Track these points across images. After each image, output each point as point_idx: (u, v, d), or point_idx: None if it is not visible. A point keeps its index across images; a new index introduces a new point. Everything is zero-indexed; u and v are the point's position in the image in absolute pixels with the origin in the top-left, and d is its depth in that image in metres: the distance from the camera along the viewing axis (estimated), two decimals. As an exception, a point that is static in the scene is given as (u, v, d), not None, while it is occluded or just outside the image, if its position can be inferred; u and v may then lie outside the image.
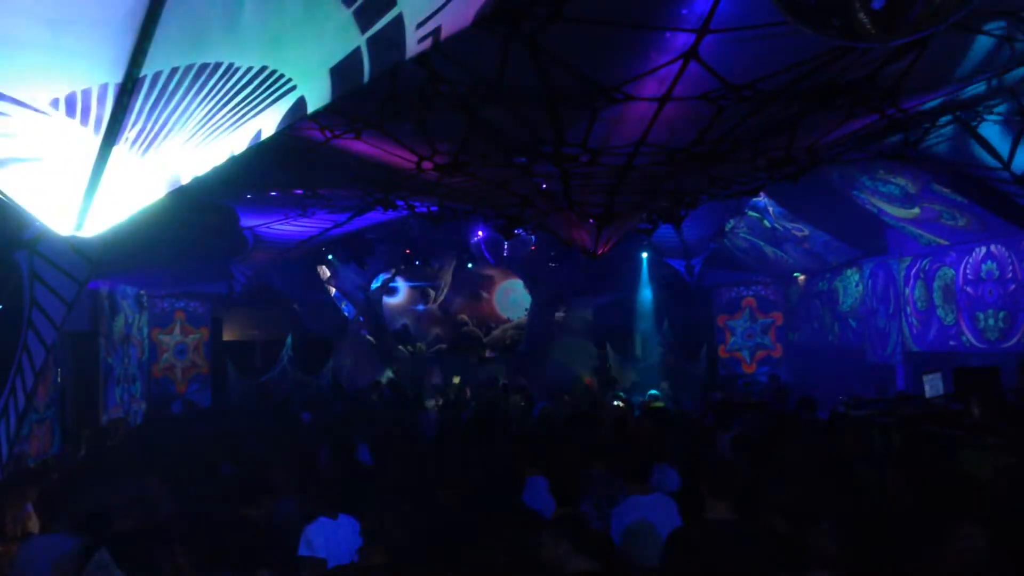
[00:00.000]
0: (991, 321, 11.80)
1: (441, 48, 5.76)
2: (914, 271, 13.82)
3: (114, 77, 2.02)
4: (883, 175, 11.41)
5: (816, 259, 16.53)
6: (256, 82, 2.38)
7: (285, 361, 19.25)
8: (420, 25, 2.66)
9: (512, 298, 23.12)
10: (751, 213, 15.25)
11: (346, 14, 2.38)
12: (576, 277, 21.25)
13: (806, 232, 15.10)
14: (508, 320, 23.19)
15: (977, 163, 9.44)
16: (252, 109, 2.48)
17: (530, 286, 22.09)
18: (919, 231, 12.88)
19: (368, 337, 21.74)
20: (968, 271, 12.33)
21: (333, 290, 20.61)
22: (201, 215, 10.96)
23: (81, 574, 4.58)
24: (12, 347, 8.17)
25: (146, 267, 13.01)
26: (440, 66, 6.27)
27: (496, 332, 23.10)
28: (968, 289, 12.33)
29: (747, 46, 6.16)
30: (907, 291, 14.03)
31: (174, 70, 2.10)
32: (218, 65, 2.20)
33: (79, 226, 2.29)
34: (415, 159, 9.12)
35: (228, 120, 2.44)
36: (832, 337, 17.15)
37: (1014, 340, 11.26)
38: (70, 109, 2.07)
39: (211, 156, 2.58)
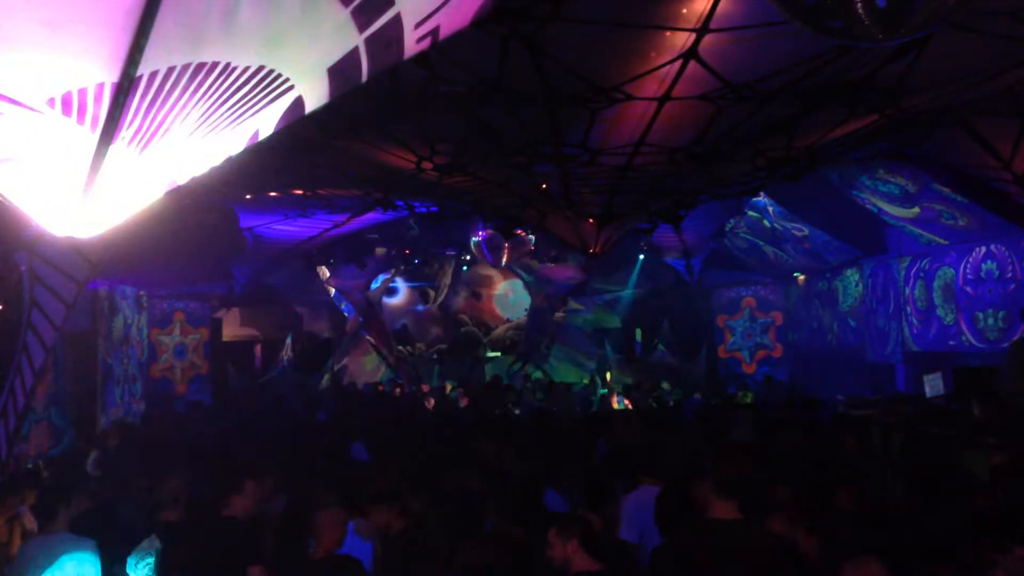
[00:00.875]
0: (991, 321, 11.80)
1: (440, 48, 5.76)
2: (914, 271, 13.81)
3: (111, 76, 2.01)
4: (883, 175, 11.41)
5: (816, 259, 16.52)
6: (253, 82, 2.37)
7: (285, 361, 19.24)
8: (419, 25, 2.65)
9: (512, 298, 23.11)
10: (751, 213, 15.24)
11: (344, 13, 2.37)
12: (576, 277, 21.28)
13: (806, 232, 15.09)
14: (508, 320, 23.18)
15: (977, 163, 9.44)
16: (250, 109, 2.47)
17: (529, 286, 22.10)
18: (919, 231, 12.87)
19: (368, 337, 21.72)
20: (968, 271, 12.32)
21: (333, 290, 20.60)
22: (201, 215, 10.96)
23: None
24: (11, 348, 8.15)
25: (146, 268, 13.00)
26: (440, 66, 6.27)
27: (496, 332, 23.09)
28: (968, 289, 12.33)
29: (747, 46, 6.16)
30: (907, 291, 14.03)
31: (171, 69, 2.09)
32: (215, 64, 2.19)
33: (76, 227, 2.28)
34: (415, 159, 9.12)
35: (226, 120, 2.43)
36: (832, 337, 17.14)
37: (1013, 339, 11.25)
38: (66, 108, 2.06)
39: (209, 156, 2.57)
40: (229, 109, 2.40)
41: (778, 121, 8.09)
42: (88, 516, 5.50)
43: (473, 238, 18.96)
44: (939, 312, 13.11)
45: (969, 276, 12.30)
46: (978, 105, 8.11)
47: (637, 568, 5.04)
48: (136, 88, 2.07)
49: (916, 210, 12.04)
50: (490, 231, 17.47)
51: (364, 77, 2.77)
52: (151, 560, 4.98)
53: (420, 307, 23.06)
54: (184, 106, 2.24)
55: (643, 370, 19.53)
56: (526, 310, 22.71)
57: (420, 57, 5.73)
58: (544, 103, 7.26)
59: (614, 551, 4.93)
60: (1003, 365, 9.55)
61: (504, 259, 18.98)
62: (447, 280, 22.64)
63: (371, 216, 13.56)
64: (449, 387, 17.67)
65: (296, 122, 2.87)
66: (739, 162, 9.53)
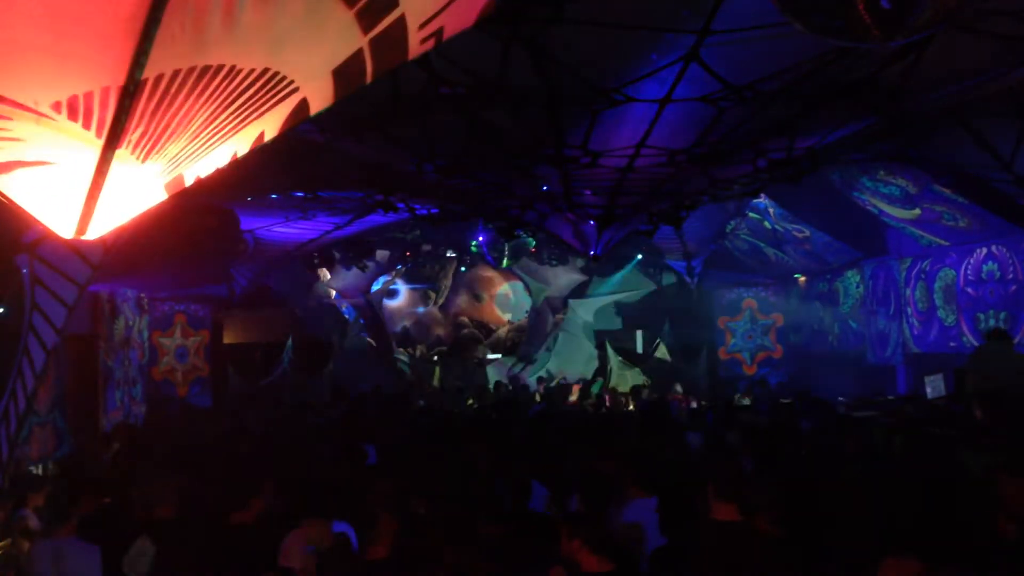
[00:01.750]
0: (992, 322, 11.80)
1: (442, 50, 5.77)
2: (915, 272, 13.81)
3: (116, 80, 2.02)
4: (884, 176, 11.41)
5: (817, 260, 16.51)
6: (258, 84, 2.37)
7: (286, 363, 19.23)
8: (423, 26, 2.66)
9: (513, 300, 23.11)
10: (752, 214, 15.24)
11: (348, 15, 2.37)
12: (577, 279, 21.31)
13: (807, 233, 15.09)
14: (509, 322, 23.19)
15: (978, 164, 9.44)
16: (254, 111, 2.48)
17: (530, 288, 22.11)
18: (920, 232, 12.88)
19: (368, 340, 21.73)
20: (969, 272, 12.32)
21: (333, 292, 20.60)
22: (201, 218, 10.96)
23: None
24: (12, 350, 8.15)
25: (146, 270, 12.99)
26: (441, 68, 6.28)
27: (497, 334, 23.09)
28: (969, 290, 12.33)
29: (748, 47, 6.17)
30: (908, 292, 14.03)
31: (176, 72, 2.10)
32: (220, 67, 2.20)
33: (81, 229, 2.29)
34: (416, 161, 9.12)
35: (230, 123, 2.44)
36: (832, 338, 17.14)
37: (1015, 341, 11.25)
38: (72, 112, 2.07)
39: (214, 159, 2.58)
40: (234, 112, 2.40)
41: (779, 122, 8.10)
42: (94, 519, 5.51)
43: (473, 240, 18.99)
44: (940, 313, 13.10)
45: (970, 277, 12.30)
46: (979, 106, 8.11)
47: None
48: (141, 92, 2.07)
49: (917, 211, 12.05)
50: (491, 233, 17.48)
51: (368, 78, 2.78)
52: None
53: (421, 309, 23.07)
54: (189, 109, 2.25)
55: (646, 372, 19.52)
56: (527, 312, 22.71)
57: (420, 58, 5.75)
58: (545, 104, 7.26)
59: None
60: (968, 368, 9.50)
61: (505, 261, 19.00)
62: (448, 282, 22.66)
63: (372, 218, 13.56)
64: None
65: (299, 125, 2.88)
66: (740, 163, 9.54)
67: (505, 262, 19.90)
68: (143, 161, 2.28)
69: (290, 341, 19.28)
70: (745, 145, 8.77)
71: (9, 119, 2.04)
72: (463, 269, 22.10)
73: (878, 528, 4.83)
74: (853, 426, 8.29)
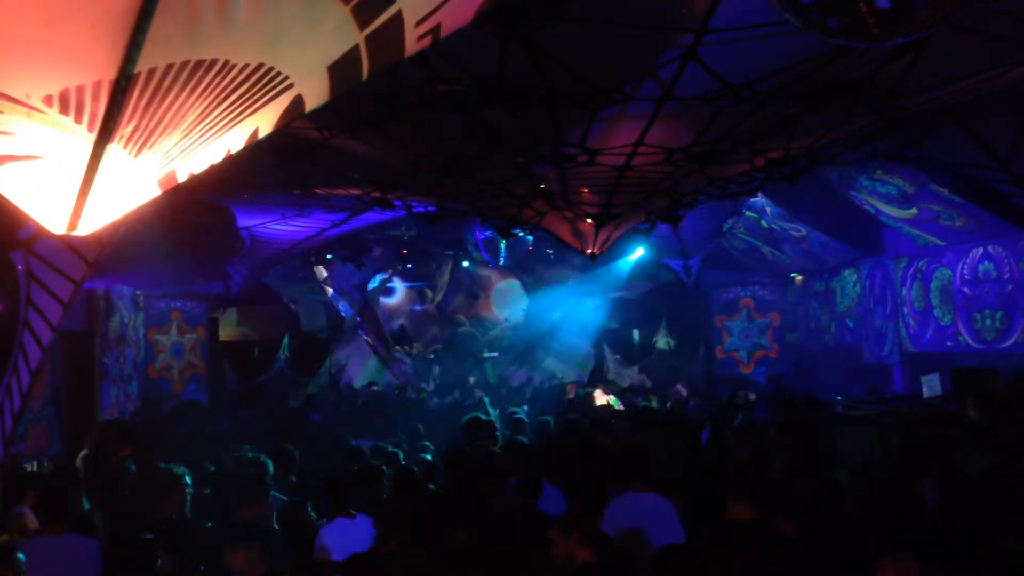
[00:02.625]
0: (988, 321, 11.80)
1: (439, 48, 5.74)
2: (911, 271, 13.81)
3: (108, 74, 2.00)
4: (881, 175, 11.40)
5: (813, 259, 16.51)
6: (252, 80, 2.35)
7: (282, 361, 19.20)
8: (420, 23, 2.64)
9: (510, 298, 23.09)
10: (749, 213, 15.23)
11: (344, 11, 2.35)
12: (573, 277, 21.28)
13: (803, 232, 15.08)
14: (505, 320, 23.17)
15: (975, 163, 9.44)
16: (249, 107, 2.45)
17: (527, 286, 22.11)
18: (916, 231, 12.87)
19: (365, 337, 21.69)
20: (965, 271, 12.32)
21: (330, 290, 20.57)
22: (197, 215, 10.93)
23: None
24: (8, 347, 8.13)
25: (142, 267, 12.97)
26: (438, 66, 6.26)
27: (493, 332, 23.07)
28: (965, 289, 12.33)
29: (746, 46, 6.15)
30: (904, 291, 14.03)
31: (169, 67, 2.08)
32: (213, 62, 2.18)
33: (73, 225, 2.27)
34: (412, 159, 9.09)
35: (224, 118, 2.42)
36: (829, 337, 17.14)
37: (1011, 341, 11.26)
38: (64, 106, 2.05)
39: (207, 154, 2.56)
40: (228, 107, 2.38)
41: (777, 122, 8.09)
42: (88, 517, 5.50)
43: (471, 238, 18.95)
44: (936, 313, 13.11)
45: (966, 277, 12.30)
46: (977, 106, 8.11)
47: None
48: (134, 86, 2.05)
49: (914, 211, 12.05)
50: (488, 231, 17.45)
51: (365, 75, 2.76)
52: None
53: (418, 307, 23.04)
54: (182, 104, 2.23)
55: (643, 370, 19.53)
56: (524, 310, 22.70)
57: (418, 56, 5.72)
58: (543, 103, 7.25)
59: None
60: None
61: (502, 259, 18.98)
62: (445, 280, 22.63)
63: (369, 216, 13.52)
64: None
65: (294, 121, 2.85)
66: (737, 162, 9.52)
67: (502, 260, 19.88)
68: (136, 156, 2.26)
69: (287, 338, 19.27)
70: (743, 144, 8.76)
71: (0, 112, 2.02)
72: (465, 264, 22.07)
73: (876, 528, 4.83)
74: (850, 425, 8.30)
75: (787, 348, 19.37)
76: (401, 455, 7.95)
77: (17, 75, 1.95)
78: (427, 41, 2.85)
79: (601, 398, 15.37)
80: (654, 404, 14.46)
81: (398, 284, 22.70)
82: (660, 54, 6.25)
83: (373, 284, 21.54)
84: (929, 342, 13.31)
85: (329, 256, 18.42)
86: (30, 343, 8.40)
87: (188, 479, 5.88)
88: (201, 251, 12.99)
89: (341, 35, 2.46)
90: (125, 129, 2.16)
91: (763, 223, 15.45)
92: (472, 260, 21.28)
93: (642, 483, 5.88)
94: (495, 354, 22.33)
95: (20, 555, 4.63)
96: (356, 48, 2.57)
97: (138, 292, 15.34)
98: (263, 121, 2.61)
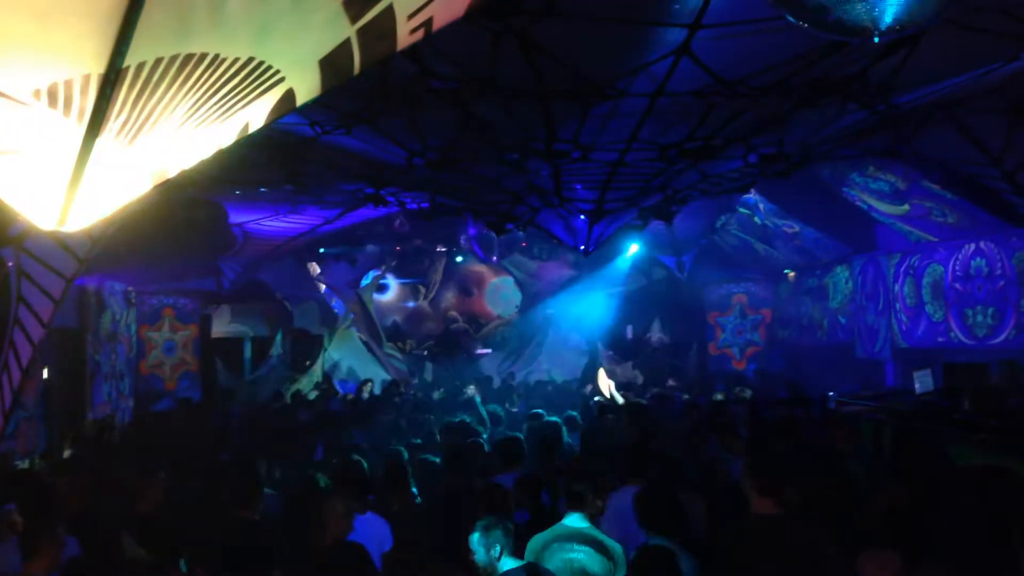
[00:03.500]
0: (980, 318, 11.83)
1: (432, 43, 5.73)
2: (903, 268, 13.84)
3: (97, 67, 1.98)
4: (873, 171, 11.42)
5: (806, 256, 16.54)
6: (243, 73, 2.33)
7: (275, 358, 19.16)
8: (412, 16, 2.62)
9: (503, 295, 23.09)
10: (742, 210, 15.25)
11: (335, 4, 2.34)
12: (566, 274, 21.29)
13: (796, 229, 15.11)
14: (499, 317, 23.17)
15: (967, 159, 9.46)
16: (240, 101, 2.44)
17: (520, 283, 22.11)
18: (908, 228, 12.90)
19: (358, 334, 21.66)
20: (957, 268, 12.35)
21: (323, 287, 20.54)
22: (189, 211, 10.89)
23: None
24: (-1, 344, 8.10)
25: (134, 264, 12.92)
26: (431, 61, 6.24)
27: (486, 329, 23.06)
28: (957, 286, 12.36)
29: (739, 42, 6.15)
30: (896, 288, 14.05)
31: (158, 60, 2.06)
32: (204, 56, 2.16)
33: (63, 220, 2.25)
34: (406, 155, 9.08)
35: (215, 112, 2.40)
36: (821, 334, 17.17)
37: (1002, 337, 11.29)
38: (52, 100, 2.03)
39: (198, 149, 2.54)
40: (218, 101, 2.36)
41: (770, 118, 8.10)
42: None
43: (464, 235, 18.95)
44: (928, 309, 13.14)
45: (958, 273, 12.33)
46: (969, 102, 8.12)
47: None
48: (123, 80, 2.03)
49: (906, 207, 12.07)
50: (481, 227, 17.44)
51: (356, 69, 2.74)
52: None
53: (411, 304, 23.02)
54: (172, 98, 2.21)
55: (636, 366, 19.53)
56: (517, 307, 22.70)
57: (410, 51, 5.71)
58: (537, 99, 7.24)
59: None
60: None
61: (495, 256, 18.97)
62: (438, 277, 22.61)
63: (362, 212, 13.51)
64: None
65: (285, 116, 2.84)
66: (730, 159, 9.53)
67: (495, 257, 19.87)
68: (126, 150, 2.24)
69: (279, 335, 19.22)
70: (736, 140, 8.77)
71: (-13, 107, 2.00)
72: (460, 259, 22.04)
73: (865, 522, 4.85)
74: (842, 420, 8.30)
75: (779, 344, 19.40)
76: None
77: (4, 68, 1.93)
78: (419, 35, 2.84)
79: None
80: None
81: (391, 281, 22.67)
82: (653, 49, 6.25)
83: (366, 281, 21.51)
84: (921, 338, 13.35)
85: (322, 250, 18.40)
86: (21, 340, 8.36)
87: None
88: (193, 248, 12.96)
89: (333, 28, 2.44)
90: (115, 123, 2.14)
91: (756, 219, 15.47)
92: (465, 257, 21.28)
93: (638, 478, 5.90)
94: (488, 351, 22.31)
95: None
96: (348, 42, 2.55)
97: (130, 289, 15.29)
98: (254, 115, 2.59)
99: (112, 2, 1.84)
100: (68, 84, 2.00)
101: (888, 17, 3.57)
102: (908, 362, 13.30)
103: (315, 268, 19.46)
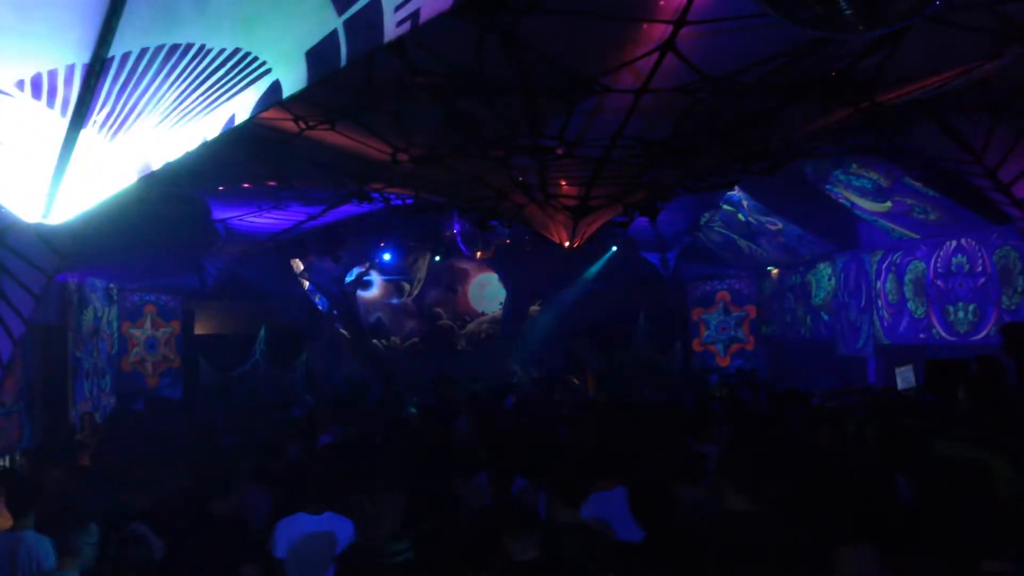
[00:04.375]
0: (961, 314, 11.93)
1: (418, 38, 5.71)
2: (885, 265, 13.93)
3: (81, 57, 1.95)
4: (856, 169, 11.48)
5: (789, 253, 16.62)
6: (229, 64, 2.32)
7: (258, 355, 19.09)
8: (399, 8, 2.61)
9: (487, 291, 23.10)
10: (726, 207, 15.30)
11: (322, -5, 2.32)
12: (551, 270, 21.31)
13: (780, 226, 15.18)
14: (483, 314, 23.17)
15: (950, 157, 9.52)
16: (225, 93, 2.42)
17: (505, 280, 22.11)
18: (891, 225, 12.98)
19: (342, 331, 21.62)
20: (939, 265, 12.44)
21: (307, 283, 20.47)
22: (172, 207, 10.82)
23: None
24: (-22, 340, 8.03)
25: (115, 260, 12.83)
26: (417, 57, 6.22)
27: (471, 326, 23.07)
28: (939, 282, 12.45)
29: (724, 38, 6.16)
30: (878, 284, 14.15)
31: (144, 51, 2.04)
32: (189, 46, 2.14)
33: (46, 212, 2.22)
34: (390, 151, 9.05)
35: (200, 104, 2.38)
36: (804, 330, 17.27)
37: (983, 333, 11.39)
38: (36, 91, 2.00)
39: (183, 141, 2.52)
40: (204, 93, 2.34)
41: (754, 115, 8.12)
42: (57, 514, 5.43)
43: (448, 231, 18.93)
44: (910, 306, 13.23)
45: (940, 270, 12.42)
46: (952, 100, 8.17)
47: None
48: (108, 70, 2.01)
49: (888, 204, 12.14)
50: (466, 224, 17.42)
51: (343, 61, 2.73)
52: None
53: (395, 300, 22.99)
54: (157, 89, 2.19)
55: (621, 362, 19.59)
56: (501, 303, 22.70)
57: (396, 46, 5.69)
58: (522, 95, 7.23)
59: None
60: None
61: (479, 252, 18.96)
62: (422, 273, 22.59)
63: (346, 208, 13.46)
64: None
65: (270, 111, 2.82)
66: (715, 156, 9.56)
67: (479, 253, 19.86)
68: (110, 141, 2.21)
69: (262, 332, 19.15)
70: (720, 138, 8.79)
71: (-31, 97, 1.98)
72: (437, 260, 22.04)
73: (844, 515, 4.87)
74: (825, 417, 8.35)
75: (763, 341, 19.49)
76: None
77: (-13, 58, 1.91)
78: (406, 27, 2.83)
79: None
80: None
81: (375, 277, 22.63)
82: (638, 45, 6.26)
83: (350, 277, 21.47)
84: (903, 334, 13.44)
85: (306, 251, 18.33)
86: (1, 336, 8.29)
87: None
88: (175, 244, 12.88)
89: (319, 20, 2.43)
90: (99, 115, 2.12)
91: (740, 216, 15.53)
92: (449, 253, 21.26)
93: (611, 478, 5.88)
94: (472, 347, 22.34)
95: None
96: (335, 33, 2.54)
97: (112, 285, 15.19)
98: (240, 107, 2.57)
99: (97, -9, 1.83)
100: (52, 74, 1.98)
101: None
102: (890, 358, 13.40)
103: (298, 265, 19.39)
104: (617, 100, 7.38)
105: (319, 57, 2.59)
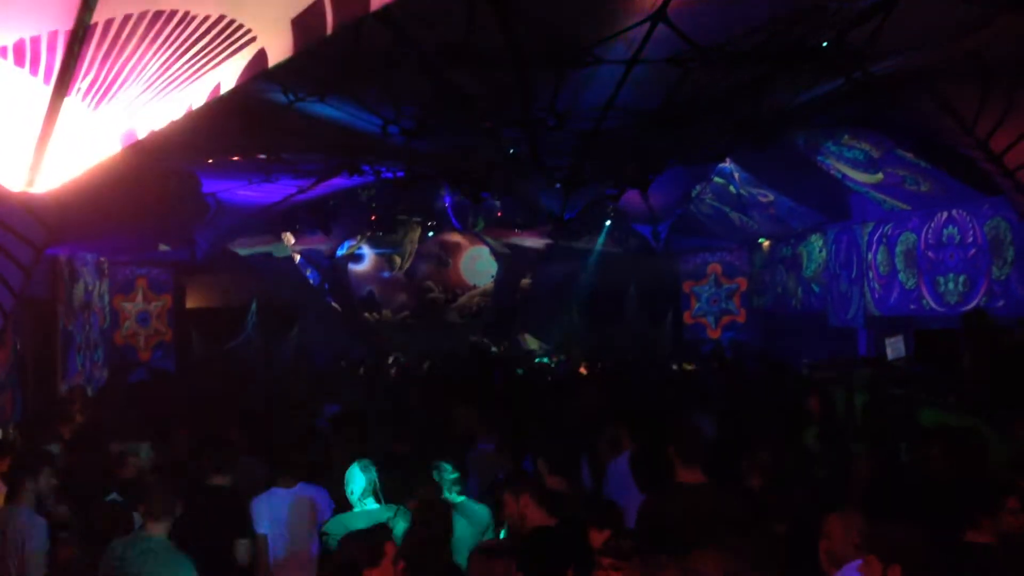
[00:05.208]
0: (951, 285, 11.96)
1: (407, 6, 5.66)
2: (876, 236, 13.94)
3: (64, 24, 1.94)
4: (848, 140, 11.45)
5: (781, 225, 16.61)
6: (214, 32, 2.30)
7: (250, 328, 19.09)
8: (385, -26, 2.59)
9: (479, 264, 23.07)
10: (717, 179, 15.27)
11: (307, -38, 2.30)
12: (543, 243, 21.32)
13: (771, 198, 15.16)
14: (474, 287, 23.15)
15: (941, 127, 9.50)
16: (210, 61, 2.40)
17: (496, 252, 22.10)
18: (882, 196, 12.98)
19: (333, 304, 21.61)
20: (930, 236, 12.46)
21: (298, 257, 20.42)
22: (161, 180, 10.75)
23: None
24: (-32, 314, 8.00)
25: (105, 233, 12.77)
26: (406, 25, 6.17)
27: (462, 299, 23.06)
28: (929, 254, 12.47)
29: (715, 8, 6.14)
30: (869, 256, 14.17)
31: (127, 17, 2.02)
32: (173, 13, 2.12)
33: (32, 181, 2.21)
34: (381, 123, 9.01)
35: (185, 72, 2.36)
36: (796, 302, 17.30)
37: (973, 304, 11.42)
38: (19, 58, 1.99)
39: (168, 110, 2.50)
40: (189, 61, 2.33)
41: (745, 85, 8.09)
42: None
43: (440, 204, 18.89)
44: (901, 277, 13.26)
45: (931, 241, 12.44)
46: (943, 69, 8.15)
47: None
48: (91, 37, 1.99)
49: (880, 176, 12.13)
50: (457, 196, 17.38)
51: (329, 29, 2.70)
52: None
53: (386, 274, 22.95)
54: (141, 56, 2.17)
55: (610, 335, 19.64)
56: (493, 276, 22.69)
57: (384, 15, 5.64)
58: (512, 65, 7.19)
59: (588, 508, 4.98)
60: None
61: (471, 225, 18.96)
62: (413, 246, 22.54)
63: (337, 181, 13.41)
64: None
65: (259, 83, 2.80)
66: (706, 127, 9.53)
67: (472, 226, 19.85)
68: (95, 110, 2.20)
69: (254, 305, 19.13)
70: (712, 108, 8.76)
71: (-49, 64, 1.96)
72: (430, 234, 21.98)
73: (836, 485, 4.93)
74: (815, 387, 8.41)
75: (754, 313, 19.54)
76: None
77: (-32, 24, 1.89)
78: (393, -5, 2.80)
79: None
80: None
81: (366, 251, 22.57)
82: (629, 16, 6.22)
83: (341, 251, 21.42)
84: (894, 306, 13.48)
85: (296, 226, 18.28)
86: (-9, 310, 8.26)
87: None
88: (166, 217, 12.82)
89: (305, -13, 2.41)
90: (83, 82, 2.10)
91: (731, 189, 15.51)
92: (441, 226, 21.23)
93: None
94: (464, 320, 22.36)
95: None
96: (320, 1, 2.52)
97: (102, 258, 15.13)
98: (225, 76, 2.56)
99: (78, -44, 1.81)
100: (35, 41, 1.96)
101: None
102: (881, 330, 13.44)
103: (289, 238, 19.33)
104: (609, 70, 7.36)
105: (305, 25, 2.57)
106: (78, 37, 1.96)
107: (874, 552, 3.10)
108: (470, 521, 5.10)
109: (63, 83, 2.05)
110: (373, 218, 20.09)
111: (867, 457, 7.32)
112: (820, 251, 16.11)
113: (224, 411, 8.94)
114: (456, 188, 15.92)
